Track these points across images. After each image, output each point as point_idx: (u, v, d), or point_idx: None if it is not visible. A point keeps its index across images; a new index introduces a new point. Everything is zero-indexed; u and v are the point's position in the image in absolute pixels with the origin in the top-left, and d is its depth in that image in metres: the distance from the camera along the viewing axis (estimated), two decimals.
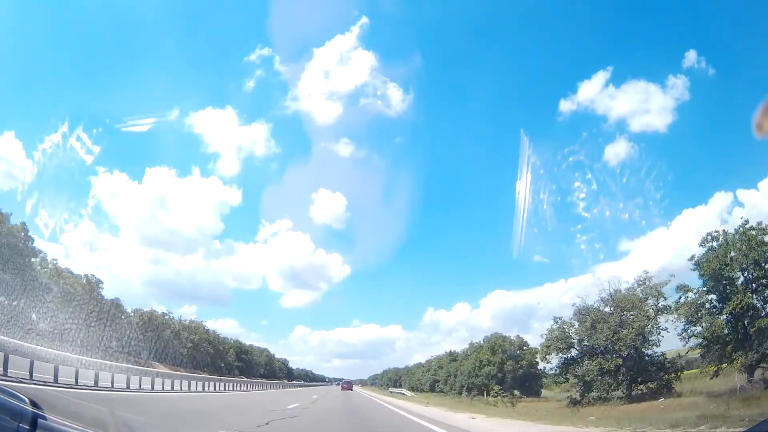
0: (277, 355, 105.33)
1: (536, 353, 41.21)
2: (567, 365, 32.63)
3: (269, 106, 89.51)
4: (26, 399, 2.23)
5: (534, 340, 49.96)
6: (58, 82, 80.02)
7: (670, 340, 28.55)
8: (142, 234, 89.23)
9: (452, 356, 61.52)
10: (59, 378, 15.54)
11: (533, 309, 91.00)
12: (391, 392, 64.13)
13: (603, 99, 69.09)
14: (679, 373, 29.33)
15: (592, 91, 71.00)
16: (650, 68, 73.40)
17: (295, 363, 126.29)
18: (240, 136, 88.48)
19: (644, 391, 29.14)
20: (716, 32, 68.76)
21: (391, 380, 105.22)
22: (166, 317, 60.50)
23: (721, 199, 61.60)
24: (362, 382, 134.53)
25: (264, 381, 67.74)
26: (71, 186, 77.95)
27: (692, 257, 25.77)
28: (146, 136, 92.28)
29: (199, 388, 29.42)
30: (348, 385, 64.28)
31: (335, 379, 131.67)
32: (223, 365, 66.06)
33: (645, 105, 65.33)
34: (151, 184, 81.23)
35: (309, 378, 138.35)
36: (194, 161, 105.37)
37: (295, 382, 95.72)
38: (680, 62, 68.56)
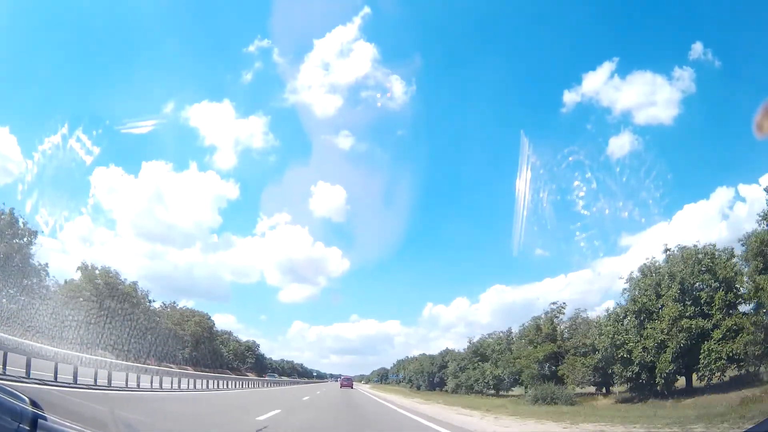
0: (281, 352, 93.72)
1: None
2: None
3: (267, 99, 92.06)
4: (26, 399, 2.16)
5: None
6: (56, 81, 77.13)
7: None
8: (138, 228, 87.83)
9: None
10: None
11: (533, 304, 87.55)
12: None
13: (608, 90, 69.40)
14: None
15: (597, 82, 68.83)
16: (657, 59, 73.49)
17: (294, 359, 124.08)
18: (237, 129, 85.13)
19: None
20: (723, 24, 65.56)
21: (425, 375, 65.42)
22: None
23: (722, 194, 61.82)
24: (365, 379, 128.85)
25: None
26: (71, 185, 72.37)
27: None
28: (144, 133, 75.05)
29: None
30: (348, 383, 60.16)
31: (332, 376, 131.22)
32: None
33: (651, 97, 63.56)
34: (148, 178, 79.18)
35: (299, 373, 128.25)
36: (191, 155, 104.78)
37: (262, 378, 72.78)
38: (687, 54, 68.61)
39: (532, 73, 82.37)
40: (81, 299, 35.60)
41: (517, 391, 39.39)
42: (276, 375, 74.74)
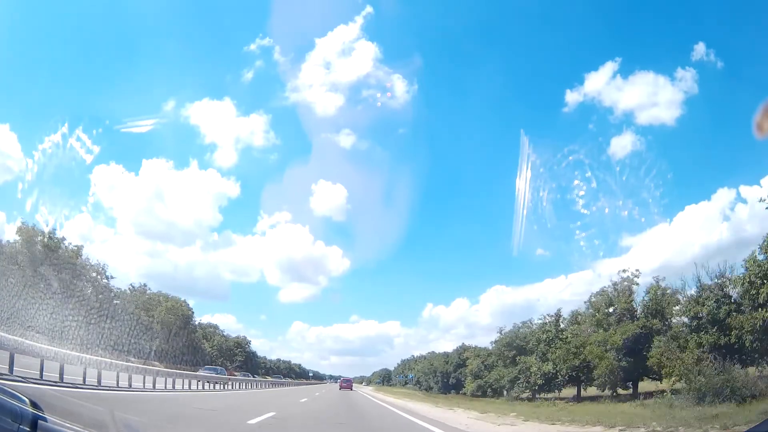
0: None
1: None
2: None
3: (268, 97, 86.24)
4: (26, 400, 2.13)
5: None
6: (57, 80, 73.44)
7: None
8: (139, 226, 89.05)
9: None
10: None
11: (533, 305, 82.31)
12: None
13: (610, 90, 69.50)
14: None
15: (600, 82, 68.09)
16: (659, 60, 72.15)
17: (294, 359, 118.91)
18: (238, 127, 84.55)
19: None
20: (725, 25, 64.16)
21: (438, 375, 57.66)
22: None
23: (723, 195, 59.26)
24: (365, 381, 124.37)
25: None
26: (71, 184, 70.52)
27: None
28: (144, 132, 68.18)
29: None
30: (347, 384, 58.79)
31: (331, 377, 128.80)
32: None
33: (653, 98, 62.55)
34: (148, 176, 76.46)
35: (296, 374, 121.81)
36: (191, 153, 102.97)
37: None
38: (689, 54, 66.73)
39: (534, 72, 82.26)
40: (7, 263, 27.21)
41: (566, 392, 30.79)
42: (218, 370, 67.46)
